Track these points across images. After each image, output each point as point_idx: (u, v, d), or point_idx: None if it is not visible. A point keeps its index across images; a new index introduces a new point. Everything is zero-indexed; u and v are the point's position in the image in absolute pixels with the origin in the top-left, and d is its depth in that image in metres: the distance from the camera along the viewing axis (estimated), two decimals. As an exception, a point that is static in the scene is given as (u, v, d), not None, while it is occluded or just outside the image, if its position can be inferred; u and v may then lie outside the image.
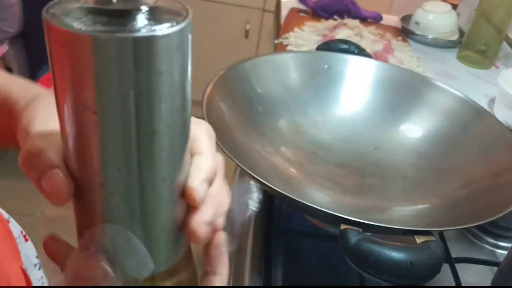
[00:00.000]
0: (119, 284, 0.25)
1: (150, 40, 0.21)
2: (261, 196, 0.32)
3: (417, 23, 1.17)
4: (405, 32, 1.20)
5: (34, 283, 0.42)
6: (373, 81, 0.72)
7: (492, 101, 0.91)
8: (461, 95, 0.68)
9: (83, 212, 0.26)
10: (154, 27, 0.21)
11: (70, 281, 0.25)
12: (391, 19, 1.27)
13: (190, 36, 0.23)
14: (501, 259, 0.54)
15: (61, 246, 0.28)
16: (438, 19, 1.16)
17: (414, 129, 0.69)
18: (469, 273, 0.57)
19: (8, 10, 1.67)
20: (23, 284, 0.38)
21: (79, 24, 0.20)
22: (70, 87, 0.22)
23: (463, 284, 0.53)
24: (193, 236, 0.26)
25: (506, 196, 0.51)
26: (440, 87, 0.70)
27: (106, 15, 0.21)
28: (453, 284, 0.53)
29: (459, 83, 1.00)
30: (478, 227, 0.63)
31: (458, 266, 0.54)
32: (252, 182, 0.33)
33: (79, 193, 0.25)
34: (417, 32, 1.16)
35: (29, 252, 0.49)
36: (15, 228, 0.48)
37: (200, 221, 0.26)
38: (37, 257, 0.50)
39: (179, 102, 0.23)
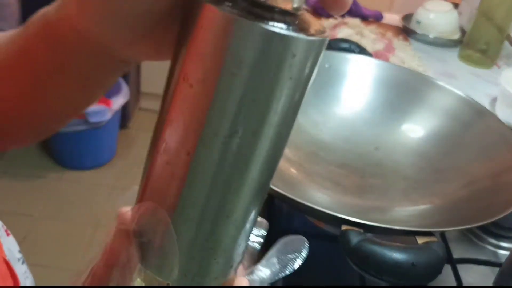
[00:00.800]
0: (138, 276, 0.25)
1: (291, 39, 0.20)
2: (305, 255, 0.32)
3: (418, 22, 1.17)
4: (406, 31, 1.19)
5: (19, 277, 0.42)
6: (374, 81, 0.72)
7: (493, 100, 0.91)
8: (462, 94, 0.68)
9: (153, 187, 0.25)
10: (296, 31, 0.21)
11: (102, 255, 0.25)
12: (392, 18, 1.27)
13: (322, 55, 0.23)
14: (503, 260, 0.54)
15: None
16: (439, 18, 1.16)
17: (415, 129, 0.68)
18: (470, 274, 0.57)
19: (6, 10, 1.67)
20: (6, 273, 0.38)
21: (225, 6, 0.20)
22: (196, 58, 0.21)
23: (464, 285, 0.53)
24: None
25: (507, 196, 0.51)
26: (441, 87, 0.70)
27: (253, 5, 0.21)
28: (455, 285, 0.52)
29: (461, 83, 0.99)
30: (480, 228, 0.63)
31: (459, 266, 0.54)
32: (304, 241, 0.33)
33: (160, 170, 0.24)
34: (418, 31, 1.16)
35: (11, 247, 0.49)
36: None
37: None
38: (19, 251, 0.50)
39: (290, 111, 0.23)
